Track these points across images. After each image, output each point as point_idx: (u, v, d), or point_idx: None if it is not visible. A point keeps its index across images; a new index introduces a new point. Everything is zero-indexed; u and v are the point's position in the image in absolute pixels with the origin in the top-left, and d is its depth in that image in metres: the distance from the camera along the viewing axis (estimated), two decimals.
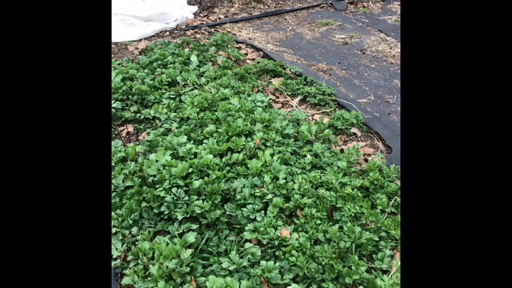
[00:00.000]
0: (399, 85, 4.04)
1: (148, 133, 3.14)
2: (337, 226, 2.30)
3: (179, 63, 3.99)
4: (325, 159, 2.76)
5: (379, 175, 2.64)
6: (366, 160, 3.02)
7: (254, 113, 3.15)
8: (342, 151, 3.03)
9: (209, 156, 2.66)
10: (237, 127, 2.90)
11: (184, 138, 2.87)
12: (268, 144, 2.85)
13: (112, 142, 2.96)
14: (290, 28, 5.42)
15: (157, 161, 2.63)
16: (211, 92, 3.46)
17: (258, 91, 3.72)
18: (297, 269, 2.12)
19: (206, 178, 2.51)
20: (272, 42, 4.95)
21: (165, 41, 4.62)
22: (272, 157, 2.73)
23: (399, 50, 4.74)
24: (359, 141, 3.28)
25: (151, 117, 3.34)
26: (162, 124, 3.21)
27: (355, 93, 3.88)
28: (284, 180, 2.54)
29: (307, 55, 4.62)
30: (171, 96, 3.51)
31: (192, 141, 2.89)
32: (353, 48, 4.81)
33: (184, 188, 2.48)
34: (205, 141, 2.87)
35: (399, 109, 3.66)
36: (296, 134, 3.03)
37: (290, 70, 4.06)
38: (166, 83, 3.66)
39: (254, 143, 2.82)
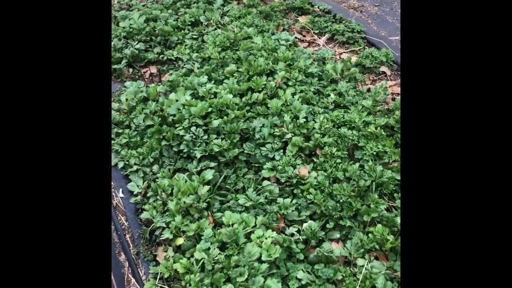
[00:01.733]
0: None
1: (171, 74, 3.11)
2: (357, 164, 2.23)
3: (203, 2, 3.86)
4: (349, 98, 2.65)
5: None
6: (393, 99, 2.89)
7: (277, 52, 3.04)
8: (369, 90, 2.90)
9: (229, 95, 2.61)
10: (258, 66, 2.81)
11: (204, 78, 2.83)
12: (290, 83, 2.76)
13: (134, 83, 2.96)
14: None
15: (177, 100, 2.62)
16: (233, 31, 3.35)
17: (284, 29, 3.57)
18: (315, 206, 2.10)
19: (225, 117, 2.48)
20: None
21: None
22: (293, 97, 2.65)
23: None
24: (388, 80, 3.12)
25: (174, 58, 3.30)
26: (184, 65, 3.16)
27: (387, 31, 3.66)
28: (305, 120, 2.47)
29: None
30: (194, 36, 3.43)
31: (212, 81, 2.85)
32: None
33: (203, 127, 2.47)
34: (225, 81, 2.82)
35: None
36: (320, 73, 2.91)
37: (318, 7, 3.85)
38: (189, 23, 3.57)
39: (276, 82, 2.73)
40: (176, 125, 2.50)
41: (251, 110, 2.61)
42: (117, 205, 2.30)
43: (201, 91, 2.68)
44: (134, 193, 2.31)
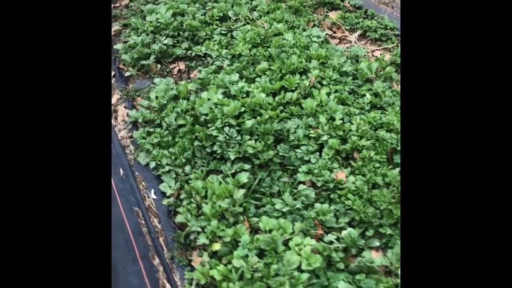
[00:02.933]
0: None
1: (200, 71, 3.05)
2: (397, 170, 2.16)
3: None
4: (386, 99, 2.57)
5: None
6: None
7: (310, 49, 2.95)
8: None
9: (262, 95, 2.55)
10: (291, 64, 2.74)
11: (236, 76, 2.76)
12: (324, 82, 2.68)
13: (164, 80, 2.91)
14: None
15: (209, 99, 2.56)
16: (263, 27, 3.28)
17: (314, 25, 3.47)
18: (353, 213, 2.04)
19: (258, 118, 2.42)
20: None
21: None
22: (328, 97, 2.57)
23: None
24: None
25: (202, 54, 3.24)
26: (214, 61, 3.10)
27: None
28: (341, 121, 2.39)
29: None
30: (223, 32, 3.36)
31: (244, 79, 2.78)
32: None
33: (237, 128, 2.41)
34: (257, 79, 2.75)
35: None
36: (354, 72, 2.82)
37: (349, 3, 3.74)
38: (218, 18, 3.50)
39: (309, 81, 2.66)
40: (209, 125, 2.45)
41: (284, 110, 2.54)
42: (149, 207, 2.26)
43: (233, 89, 2.62)
44: (167, 194, 2.27)
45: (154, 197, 2.29)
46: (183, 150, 2.40)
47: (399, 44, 3.30)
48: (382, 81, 2.77)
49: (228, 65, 2.96)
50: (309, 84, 2.64)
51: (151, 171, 2.41)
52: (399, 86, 2.81)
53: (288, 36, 3.09)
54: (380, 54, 3.19)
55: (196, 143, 2.38)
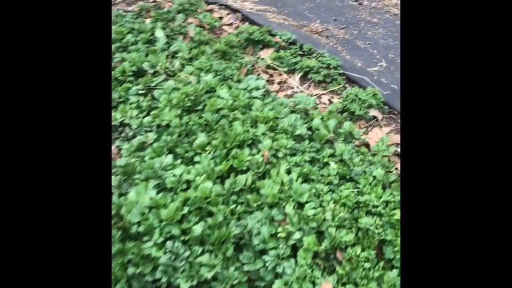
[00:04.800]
0: None
1: (118, 148, 2.41)
2: (395, 272, 1.74)
3: (142, 42, 3.16)
4: (356, 169, 2.15)
5: None
6: (399, 156, 2.43)
7: (253, 109, 2.46)
8: (367, 146, 2.43)
9: (207, 183, 2.00)
10: (236, 135, 2.22)
11: (168, 158, 2.18)
12: (280, 154, 2.20)
13: None
14: None
15: (138, 201, 1.95)
16: (190, 82, 2.72)
17: (248, 71, 2.99)
18: None
19: (209, 219, 1.87)
20: None
21: (119, 11, 3.71)
22: (288, 175, 2.09)
23: None
24: (381, 126, 2.67)
25: (118, 124, 2.59)
26: (134, 133, 2.48)
27: (362, 60, 3.21)
28: (313, 211, 1.93)
29: (295, 12, 3.85)
30: (140, 91, 2.73)
31: (179, 160, 2.21)
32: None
33: (182, 238, 1.84)
34: (196, 158, 2.20)
35: None
36: (310, 133, 2.38)
37: (280, 38, 3.31)
38: (131, 73, 2.86)
39: (262, 156, 2.16)
40: (144, 239, 1.85)
41: (238, 200, 2.02)
42: None
43: (168, 181, 2.04)
44: None
45: None
46: (115, 282, 1.78)
47: (346, 85, 2.93)
48: (342, 140, 2.36)
49: (154, 139, 2.35)
50: (263, 160, 2.14)
51: None
52: (361, 144, 2.43)
53: (223, 93, 2.57)
54: (328, 99, 2.80)
55: (131, 269, 1.77)
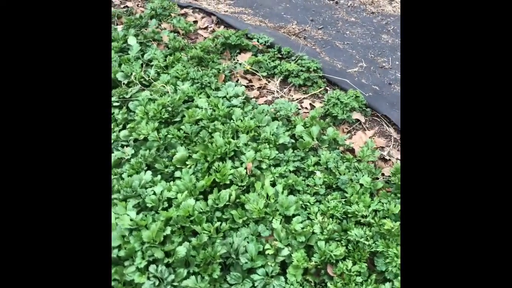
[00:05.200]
0: (390, 42, 3.35)
1: None
2: (388, 285, 1.69)
3: (115, 51, 3.04)
4: (343, 178, 2.09)
5: None
6: (384, 160, 2.39)
7: (233, 118, 2.38)
8: (352, 151, 2.38)
9: (190, 200, 1.92)
10: (217, 148, 2.13)
11: (147, 174, 2.08)
12: (264, 166, 2.12)
13: None
14: None
15: (117, 223, 1.86)
16: (167, 92, 2.61)
17: (226, 77, 2.90)
18: None
19: (193, 239, 1.79)
20: (223, 1, 4.02)
21: None
22: (273, 187, 2.02)
23: None
24: (364, 129, 2.62)
25: None
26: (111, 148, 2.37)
27: (342, 61, 3.16)
28: (301, 224, 1.86)
29: (271, 14, 3.77)
30: (115, 103, 2.62)
31: (158, 176, 2.11)
32: None
33: (166, 260, 1.75)
34: (177, 173, 2.11)
35: (399, 75, 3.00)
36: (293, 141, 2.31)
37: (258, 41, 3.23)
38: None
39: (246, 169, 2.08)
40: (126, 263, 1.75)
41: (223, 216, 1.94)
42: None
43: (148, 199, 1.95)
44: None
45: None
46: None
47: (327, 88, 2.88)
48: (326, 147, 2.30)
49: (132, 155, 2.25)
50: (247, 173, 2.07)
51: None
52: (345, 150, 2.37)
53: (201, 102, 2.48)
54: (310, 103, 2.73)
55: None
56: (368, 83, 2.91)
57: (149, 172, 2.10)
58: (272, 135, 2.27)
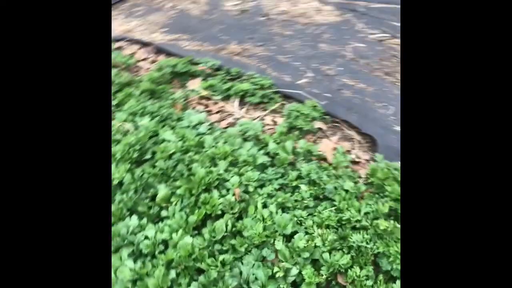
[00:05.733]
0: (328, 50, 3.52)
1: None
2: (398, 283, 1.76)
3: None
4: (328, 187, 2.15)
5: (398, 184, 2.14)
6: (355, 163, 2.50)
7: (205, 146, 2.35)
8: (325, 160, 2.45)
9: (187, 239, 1.86)
10: (200, 179, 2.09)
11: (133, 219, 1.99)
12: (250, 188, 2.12)
13: None
14: (167, 5, 4.43)
15: (117, 276, 1.75)
16: (128, 131, 2.52)
17: (183, 106, 2.86)
18: None
19: (200, 277, 1.74)
20: (157, 29, 3.96)
21: None
22: (266, 208, 2.03)
23: (302, 5, 4.17)
24: (328, 136, 2.72)
25: None
26: None
27: (289, 74, 3.26)
28: (303, 240, 1.88)
29: (208, 37, 3.79)
30: None
31: (144, 219, 2.02)
32: (255, 15, 4.10)
33: None
34: (163, 213, 2.04)
35: (345, 81, 3.16)
36: (270, 159, 2.34)
37: (205, 65, 3.23)
38: None
39: (234, 195, 2.06)
40: None
41: (223, 248, 1.90)
42: None
43: (143, 245, 1.85)
44: None
45: None
46: None
47: (284, 103, 2.95)
48: (302, 159, 2.36)
49: (112, 202, 2.13)
50: (235, 199, 2.05)
51: None
52: (323, 162, 2.45)
53: (168, 136, 2.42)
54: (272, 120, 2.78)
55: None
56: (319, 92, 3.03)
57: (134, 217, 2.00)
58: (249, 156, 2.28)
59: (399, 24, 3.82)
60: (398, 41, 3.53)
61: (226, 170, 2.20)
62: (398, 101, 2.93)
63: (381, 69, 3.21)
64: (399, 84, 3.11)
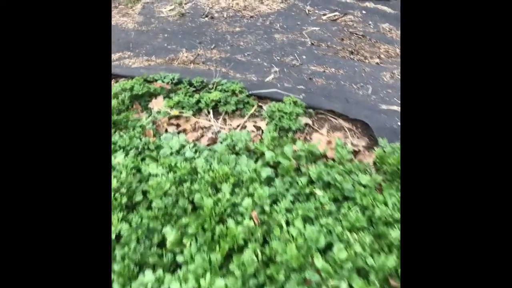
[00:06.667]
0: (285, 39, 3.36)
1: None
2: None
3: None
4: (347, 186, 2.01)
5: None
6: (354, 152, 2.38)
7: (199, 171, 2.11)
8: (325, 157, 2.31)
9: (219, 282, 1.64)
10: (209, 211, 1.86)
11: (148, 275, 1.72)
12: (266, 207, 1.93)
13: None
14: None
15: None
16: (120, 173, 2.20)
17: (153, 132, 2.58)
18: None
19: None
20: None
21: None
22: (289, 226, 1.85)
23: None
24: (317, 131, 2.58)
25: None
26: None
27: (253, 73, 3.07)
28: (343, 251, 1.73)
29: (154, 49, 3.48)
30: None
31: (159, 270, 1.76)
32: (196, 17, 3.84)
33: None
34: (179, 259, 1.79)
35: (313, 68, 3.03)
36: (272, 170, 2.15)
37: (162, 81, 2.95)
38: None
39: (253, 219, 1.86)
40: None
41: (259, 282, 1.70)
42: None
43: None
44: None
45: None
46: None
47: (260, 104, 2.77)
48: (306, 161, 2.20)
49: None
50: (255, 223, 1.85)
51: None
52: (327, 160, 2.30)
53: (153, 169, 2.15)
54: (254, 126, 2.59)
55: None
56: (292, 86, 2.88)
57: (148, 272, 1.74)
58: (251, 171, 2.08)
59: (346, 0, 3.75)
60: (351, 17, 3.46)
61: (232, 194, 1.99)
62: (373, 79, 2.85)
63: (344, 49, 3.12)
64: (368, 62, 3.04)
